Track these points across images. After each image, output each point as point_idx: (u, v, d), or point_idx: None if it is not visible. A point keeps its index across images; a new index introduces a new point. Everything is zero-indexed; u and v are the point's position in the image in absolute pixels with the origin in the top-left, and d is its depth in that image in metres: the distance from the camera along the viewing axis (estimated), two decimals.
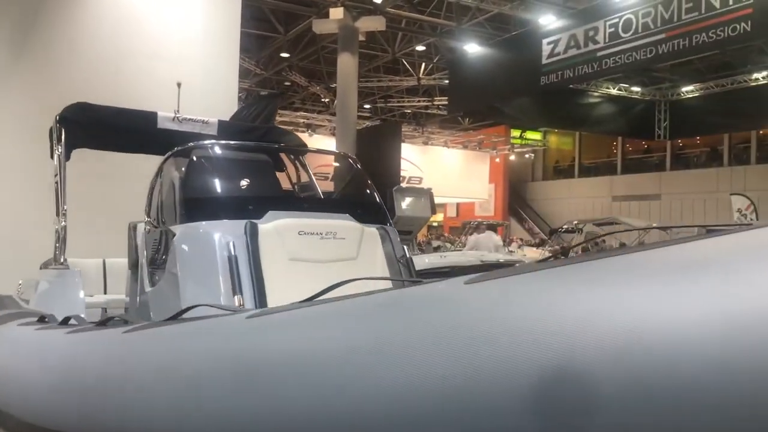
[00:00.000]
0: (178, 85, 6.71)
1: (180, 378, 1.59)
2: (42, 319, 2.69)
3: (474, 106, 17.84)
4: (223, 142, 3.91)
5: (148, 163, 6.65)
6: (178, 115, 5.20)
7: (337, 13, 17.82)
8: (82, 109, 4.83)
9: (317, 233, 3.13)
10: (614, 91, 19.61)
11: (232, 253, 2.91)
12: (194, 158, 3.42)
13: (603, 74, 12.78)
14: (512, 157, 29.17)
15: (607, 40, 12.33)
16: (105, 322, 2.23)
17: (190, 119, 5.19)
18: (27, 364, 2.32)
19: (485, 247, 11.30)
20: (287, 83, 26.96)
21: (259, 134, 5.48)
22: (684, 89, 19.84)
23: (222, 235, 3.01)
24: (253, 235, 2.99)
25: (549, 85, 13.77)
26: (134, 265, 4.49)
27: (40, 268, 5.93)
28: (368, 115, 30.63)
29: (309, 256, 3.09)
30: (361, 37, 19.42)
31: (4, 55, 7.77)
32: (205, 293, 2.94)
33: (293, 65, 25.45)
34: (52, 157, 5.23)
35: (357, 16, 18.45)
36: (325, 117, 27.79)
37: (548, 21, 14.05)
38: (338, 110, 19.33)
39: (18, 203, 7.71)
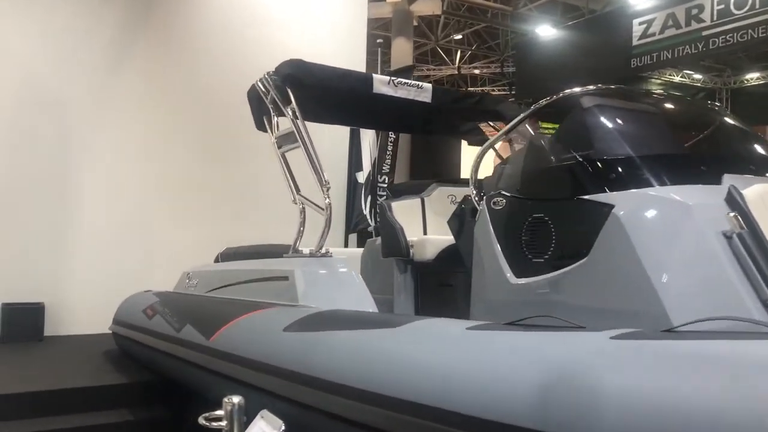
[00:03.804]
0: (379, 44, 5.89)
1: None
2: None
3: (545, 92, 17.00)
4: (607, 87, 3.04)
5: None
6: (393, 78, 4.40)
7: None
8: (298, 66, 3.99)
9: None
10: (677, 79, 18.92)
11: (740, 228, 2.11)
12: (611, 105, 2.62)
13: (710, 55, 12.04)
14: None
15: (714, 19, 11.55)
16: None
17: (405, 83, 4.40)
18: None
19: None
20: None
21: (474, 101, 4.74)
22: (747, 76, 19.16)
23: (704, 205, 2.21)
24: (744, 205, 2.19)
25: (641, 67, 12.99)
26: (398, 253, 3.68)
27: (218, 260, 5.11)
28: None
29: None
30: (414, 22, 18.64)
31: (125, 24, 6.88)
32: (700, 285, 2.14)
33: None
34: (259, 127, 4.40)
35: (412, 0, 17.68)
36: None
37: (638, 0, 13.25)
38: None
39: (142, 190, 6.86)
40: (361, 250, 4.81)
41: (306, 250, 3.75)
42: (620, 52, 13.32)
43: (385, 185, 7.79)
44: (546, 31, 15.70)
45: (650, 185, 2.34)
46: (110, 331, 5.46)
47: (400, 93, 4.36)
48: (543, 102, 2.81)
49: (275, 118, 4.10)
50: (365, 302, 3.19)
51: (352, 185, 7.58)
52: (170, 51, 7.07)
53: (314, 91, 4.06)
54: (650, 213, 2.25)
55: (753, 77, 19.23)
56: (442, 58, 24.75)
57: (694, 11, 11.94)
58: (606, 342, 1.61)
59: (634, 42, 13.04)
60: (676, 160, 2.47)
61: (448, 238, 3.59)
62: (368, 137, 7.65)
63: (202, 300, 4.21)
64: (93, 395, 4.38)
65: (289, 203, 6.29)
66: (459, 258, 3.60)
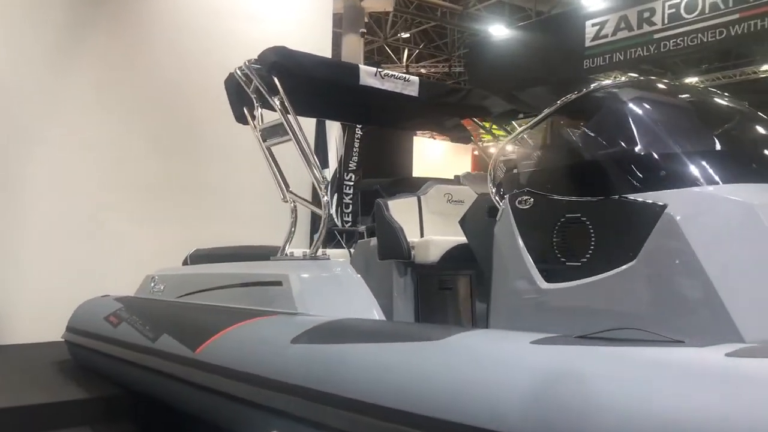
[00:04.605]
0: (362, 35, 5.64)
1: None
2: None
3: (497, 92, 17.06)
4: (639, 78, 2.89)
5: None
6: (380, 70, 4.20)
7: None
8: (284, 54, 3.73)
9: None
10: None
11: None
12: (651, 98, 2.45)
13: (662, 57, 12.25)
14: (492, 150, 28.80)
15: (666, 22, 11.77)
16: None
17: (392, 76, 4.22)
18: None
19: None
20: None
21: (461, 96, 4.60)
22: (687, 80, 19.72)
23: (765, 205, 2.07)
24: None
25: (594, 68, 13.14)
26: (398, 255, 3.45)
27: (187, 263, 4.76)
28: None
29: None
30: (366, 18, 18.41)
31: (80, 11, 6.37)
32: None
33: None
34: (239, 119, 4.08)
35: None
36: None
37: (591, 2, 13.41)
38: None
39: (97, 188, 6.38)
40: (343, 251, 4.56)
41: (298, 252, 3.47)
42: (573, 53, 13.43)
43: (352, 183, 7.54)
44: (499, 31, 15.76)
45: (700, 184, 2.19)
46: (62, 340, 5.02)
47: (387, 86, 4.16)
48: (572, 96, 2.63)
49: (259, 110, 3.80)
50: (371, 309, 2.94)
51: None
52: (130, 41, 6.60)
53: (300, 81, 3.79)
54: (708, 214, 2.10)
55: (691, 81, 19.83)
56: (389, 56, 24.62)
57: (646, 14, 12.15)
58: (722, 360, 1.42)
59: (587, 43, 13.18)
60: (725, 156, 2.33)
61: (452, 239, 3.40)
62: (334, 133, 7.38)
63: (178, 307, 3.86)
64: (48, 413, 3.94)
65: (260, 202, 5.94)
66: (463, 260, 3.41)
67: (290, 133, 3.46)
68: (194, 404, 3.19)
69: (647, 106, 2.44)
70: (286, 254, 3.49)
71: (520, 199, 2.61)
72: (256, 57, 3.88)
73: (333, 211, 7.29)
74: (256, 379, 2.56)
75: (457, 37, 23.04)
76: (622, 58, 12.65)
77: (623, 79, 3.19)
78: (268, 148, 3.71)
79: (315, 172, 3.35)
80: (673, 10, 11.69)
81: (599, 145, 2.40)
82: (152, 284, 4.59)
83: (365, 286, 3.05)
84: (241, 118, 4.02)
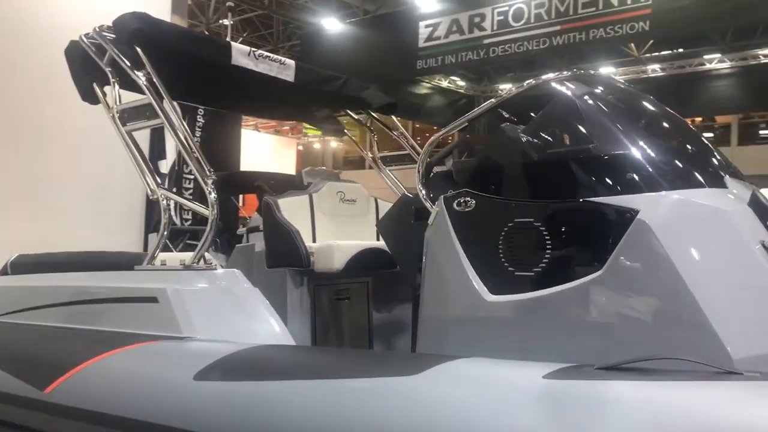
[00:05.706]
0: (230, 8, 5.05)
1: None
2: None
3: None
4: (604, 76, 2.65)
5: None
6: (254, 50, 3.78)
7: None
8: (146, 21, 3.16)
9: None
10: (444, 84, 20.05)
11: None
12: (605, 96, 2.24)
13: (491, 62, 12.79)
14: (317, 146, 28.80)
15: (495, 28, 12.32)
16: None
17: (267, 57, 3.82)
18: None
19: None
20: None
21: (338, 85, 4.29)
22: (502, 87, 20.92)
23: (738, 212, 1.97)
24: None
25: (427, 69, 13.46)
26: (294, 262, 3.00)
27: (7, 273, 3.85)
28: None
29: None
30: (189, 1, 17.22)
31: None
32: (756, 306, 1.87)
33: None
34: (86, 97, 3.36)
35: None
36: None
37: (425, 3, 13.63)
38: None
39: None
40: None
41: (172, 260, 2.89)
42: (407, 53, 13.62)
43: (192, 177, 6.82)
44: (333, 25, 15.52)
45: (668, 188, 2.03)
46: None
47: (261, 67, 3.71)
48: (514, 90, 2.39)
49: (115, 87, 3.12)
50: (277, 330, 2.48)
51: None
52: None
53: (162, 56, 3.18)
54: (684, 220, 1.95)
55: (506, 87, 21.05)
56: None
57: (477, 19, 12.63)
58: None
59: (420, 44, 13.44)
60: (691, 161, 2.21)
61: (355, 244, 3.03)
62: None
63: (6, 330, 3.05)
64: None
65: (95, 200, 5.07)
66: (366, 267, 3.06)
67: (162, 115, 2.86)
68: None
69: (614, 103, 2.27)
70: (156, 262, 2.89)
71: (458, 200, 2.31)
72: (107, 24, 3.20)
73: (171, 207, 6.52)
74: (147, 427, 2.00)
75: (282, 28, 22.47)
76: (453, 61, 13.05)
77: (567, 73, 3.08)
78: (129, 134, 3.05)
79: (200, 162, 2.80)
80: (502, 17, 12.26)
81: (558, 143, 2.18)
82: None
83: (266, 302, 2.58)
84: (88, 96, 3.29)
